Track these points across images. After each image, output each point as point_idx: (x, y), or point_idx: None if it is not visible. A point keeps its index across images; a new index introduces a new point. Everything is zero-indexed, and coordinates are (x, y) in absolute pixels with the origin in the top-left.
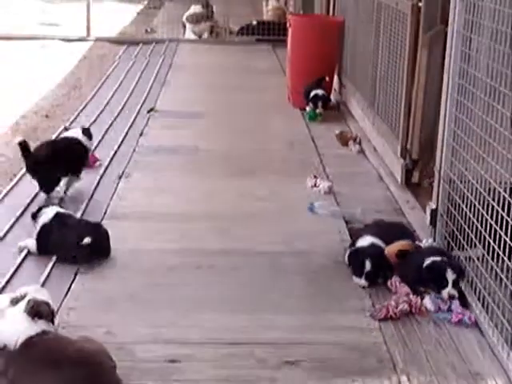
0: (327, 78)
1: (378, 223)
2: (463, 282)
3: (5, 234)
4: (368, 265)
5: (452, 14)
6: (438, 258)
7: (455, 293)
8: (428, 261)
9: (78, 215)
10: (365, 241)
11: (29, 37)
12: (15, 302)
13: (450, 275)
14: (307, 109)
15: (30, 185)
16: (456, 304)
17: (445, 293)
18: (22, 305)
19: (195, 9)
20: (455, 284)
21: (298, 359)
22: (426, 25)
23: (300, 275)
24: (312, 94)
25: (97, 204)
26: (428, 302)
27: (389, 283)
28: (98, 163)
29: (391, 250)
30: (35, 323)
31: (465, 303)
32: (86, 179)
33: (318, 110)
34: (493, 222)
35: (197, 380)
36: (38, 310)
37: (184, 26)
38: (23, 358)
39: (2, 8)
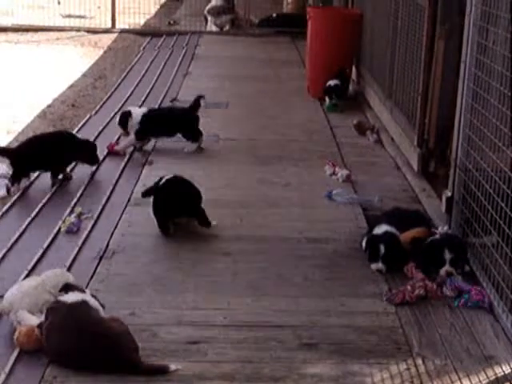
0: (348, 70)
1: (395, 211)
2: (467, 261)
3: (37, 213)
4: (382, 249)
5: (469, 6)
6: (436, 238)
7: (453, 270)
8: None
9: (103, 200)
10: (380, 228)
11: (56, 28)
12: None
13: (447, 254)
14: (327, 100)
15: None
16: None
17: (442, 271)
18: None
19: (217, 2)
20: (453, 262)
21: (316, 342)
22: (442, 17)
23: (318, 261)
24: (326, 85)
25: (121, 189)
26: (447, 289)
27: (405, 269)
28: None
29: (406, 236)
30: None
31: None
32: (111, 166)
33: (332, 101)
34: (507, 210)
35: (218, 361)
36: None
37: (206, 19)
38: (59, 318)
39: (30, 1)
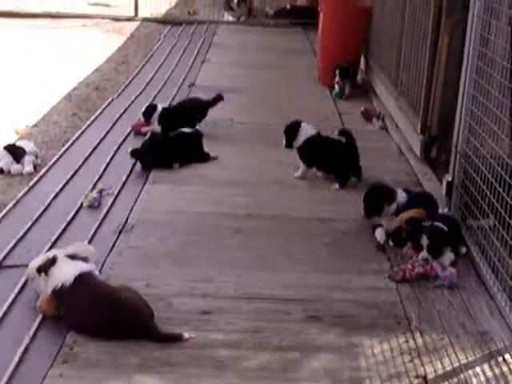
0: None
1: (407, 190)
2: (444, 247)
3: (58, 193)
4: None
5: (473, 0)
6: (421, 224)
7: (428, 257)
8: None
9: (124, 177)
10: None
11: (83, 16)
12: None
13: (425, 240)
14: (336, 87)
15: (81, 149)
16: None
17: (420, 256)
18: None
19: None
20: (430, 249)
21: (321, 314)
22: (448, 10)
23: (325, 239)
24: (337, 69)
25: (141, 169)
26: (436, 267)
27: (404, 249)
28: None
29: (403, 217)
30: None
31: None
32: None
33: (340, 84)
34: (505, 195)
35: (228, 330)
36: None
37: (224, 9)
38: (71, 298)
39: None
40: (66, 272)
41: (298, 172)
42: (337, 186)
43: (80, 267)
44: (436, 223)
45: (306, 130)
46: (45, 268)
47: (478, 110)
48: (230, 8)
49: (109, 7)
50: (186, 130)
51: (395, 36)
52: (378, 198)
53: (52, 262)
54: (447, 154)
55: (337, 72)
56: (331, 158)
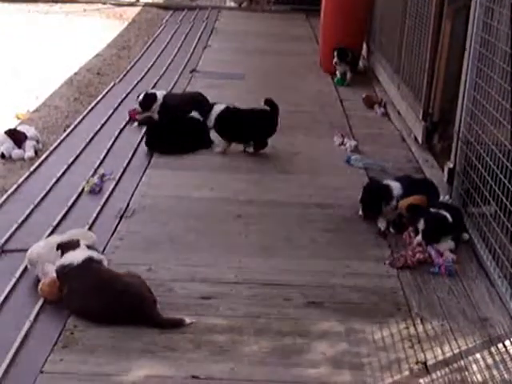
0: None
1: (404, 178)
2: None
3: (59, 178)
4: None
5: None
6: (421, 209)
7: (422, 242)
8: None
9: (125, 162)
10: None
11: (84, 1)
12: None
13: (421, 225)
14: (337, 74)
15: (82, 134)
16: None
17: (415, 240)
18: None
19: None
20: (424, 234)
21: (321, 301)
22: None
23: (325, 225)
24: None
25: (142, 153)
26: (432, 253)
27: (404, 235)
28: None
29: (404, 203)
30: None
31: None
32: (136, 131)
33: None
34: (506, 182)
35: (229, 315)
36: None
37: None
38: (76, 279)
39: None
40: (77, 254)
41: (219, 147)
42: (251, 149)
43: (91, 252)
44: (441, 211)
45: (216, 108)
46: (66, 248)
47: (480, 96)
48: None
49: None
50: (195, 115)
51: (397, 22)
52: (375, 200)
53: (75, 245)
54: (449, 140)
55: (335, 54)
56: (243, 128)
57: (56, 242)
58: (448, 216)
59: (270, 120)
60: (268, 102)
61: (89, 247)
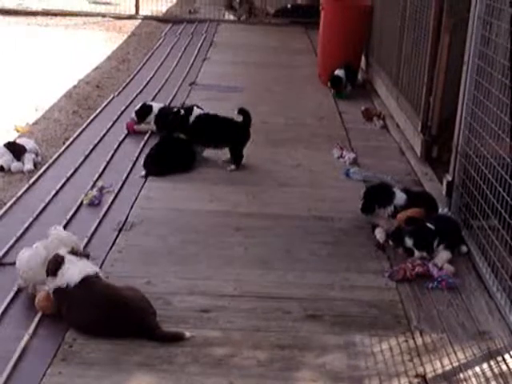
0: (354, 65)
1: (410, 192)
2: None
3: (58, 190)
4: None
5: (474, 0)
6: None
7: (423, 255)
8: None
9: (124, 175)
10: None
11: (83, 14)
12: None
13: (408, 242)
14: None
15: (81, 147)
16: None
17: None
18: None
19: None
20: (418, 247)
21: (320, 313)
22: (450, 10)
23: (324, 238)
24: (333, 75)
25: (141, 166)
26: (431, 268)
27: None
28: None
29: (402, 216)
30: (89, 266)
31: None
32: (132, 143)
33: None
34: (505, 195)
35: (228, 328)
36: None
37: (225, 8)
38: (75, 297)
39: None
40: (72, 273)
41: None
42: (233, 166)
43: (87, 270)
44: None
45: (195, 113)
46: (53, 270)
47: (479, 109)
48: (231, 7)
49: (109, 5)
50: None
51: (396, 35)
52: (373, 199)
53: (60, 263)
54: (448, 153)
55: (329, 85)
56: (216, 134)
57: (41, 255)
58: (429, 224)
59: (243, 129)
60: (241, 111)
61: (73, 253)
